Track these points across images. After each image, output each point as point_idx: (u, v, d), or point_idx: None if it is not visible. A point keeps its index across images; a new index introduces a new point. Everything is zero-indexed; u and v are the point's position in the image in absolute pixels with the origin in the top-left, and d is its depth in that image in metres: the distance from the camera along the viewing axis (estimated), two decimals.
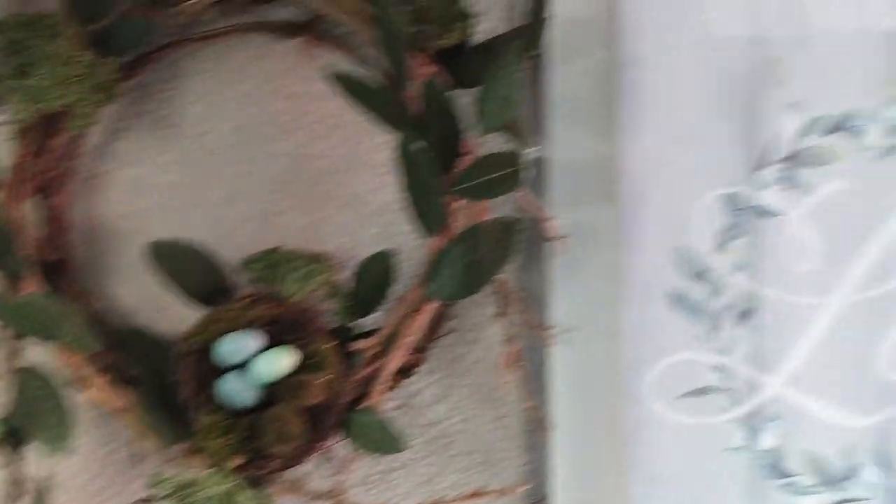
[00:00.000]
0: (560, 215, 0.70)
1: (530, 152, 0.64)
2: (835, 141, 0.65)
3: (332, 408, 0.64)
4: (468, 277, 0.62)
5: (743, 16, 0.64)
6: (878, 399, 0.66)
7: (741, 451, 0.67)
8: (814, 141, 0.65)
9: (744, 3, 0.64)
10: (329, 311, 0.67)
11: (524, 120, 0.63)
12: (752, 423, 0.67)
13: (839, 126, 0.64)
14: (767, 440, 0.66)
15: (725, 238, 0.66)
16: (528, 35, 0.62)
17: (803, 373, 0.66)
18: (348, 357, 0.66)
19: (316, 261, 0.67)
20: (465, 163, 0.61)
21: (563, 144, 0.70)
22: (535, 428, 0.69)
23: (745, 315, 0.66)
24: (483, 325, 0.71)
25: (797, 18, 0.64)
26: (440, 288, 0.62)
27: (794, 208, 0.65)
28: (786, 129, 0.65)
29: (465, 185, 0.60)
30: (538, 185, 0.70)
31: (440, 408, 0.72)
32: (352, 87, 0.59)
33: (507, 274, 0.67)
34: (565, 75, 0.69)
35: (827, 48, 0.64)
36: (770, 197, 0.65)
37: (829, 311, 0.66)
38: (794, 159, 0.65)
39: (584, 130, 0.69)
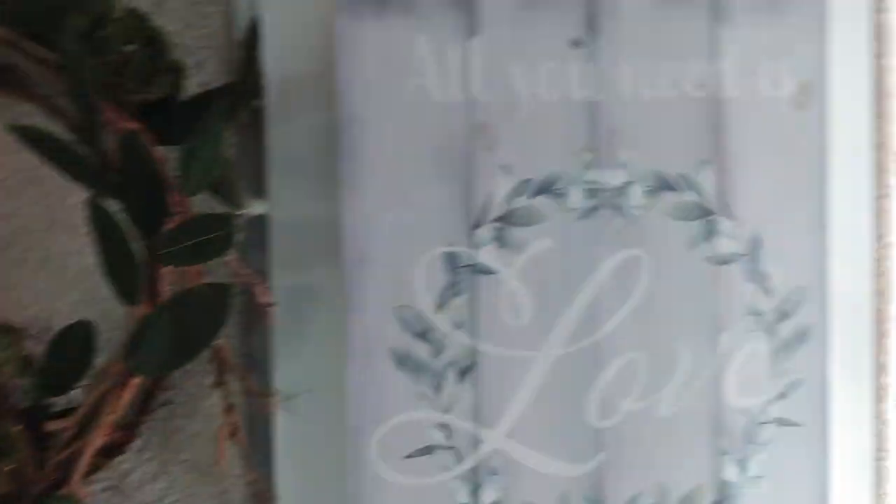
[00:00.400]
0: (282, 276, 0.68)
1: (244, 213, 0.62)
2: (541, 202, 0.68)
3: (22, 498, 0.56)
4: (176, 348, 0.57)
5: (454, 81, 0.66)
6: (589, 447, 0.70)
7: None
8: (523, 202, 0.68)
9: (455, 68, 0.66)
10: (20, 389, 0.60)
11: (237, 179, 0.60)
12: (475, 479, 0.68)
13: (544, 188, 0.68)
14: (489, 495, 0.68)
15: (446, 296, 0.67)
16: (240, 91, 0.60)
17: (520, 426, 0.68)
18: (43, 439, 0.59)
19: (4, 332, 0.60)
20: (172, 225, 0.57)
21: (285, 204, 0.68)
22: (258, 501, 0.66)
23: (466, 371, 0.68)
24: (200, 395, 0.66)
25: (504, 86, 0.67)
26: (144, 361, 0.57)
27: (507, 266, 0.68)
28: (498, 190, 0.67)
29: (170, 250, 0.56)
30: (259, 246, 0.68)
31: (155, 487, 0.66)
32: (36, 141, 0.54)
33: (225, 341, 0.63)
34: (285, 133, 0.68)
35: (531, 115, 0.68)
36: (486, 255, 0.68)
37: (541, 365, 0.69)
38: (506, 219, 0.68)
39: (306, 190, 0.68)
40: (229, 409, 0.64)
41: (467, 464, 0.68)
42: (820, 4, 0.72)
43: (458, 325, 0.67)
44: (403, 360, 0.67)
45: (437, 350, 0.67)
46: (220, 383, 0.64)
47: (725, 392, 0.72)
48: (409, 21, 0.65)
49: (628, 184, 0.69)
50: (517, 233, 0.68)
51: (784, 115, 0.71)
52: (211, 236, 0.56)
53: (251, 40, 0.59)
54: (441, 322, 0.67)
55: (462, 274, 0.67)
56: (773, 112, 0.71)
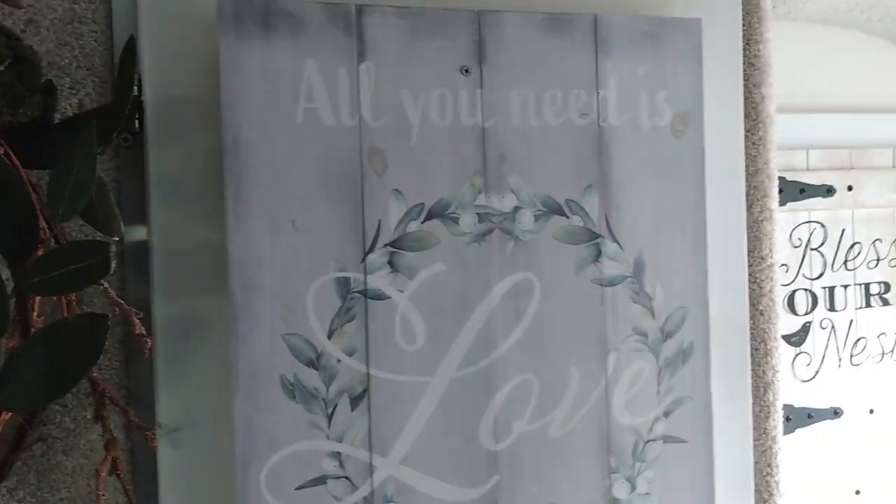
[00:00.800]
0: (165, 305, 0.66)
1: (122, 240, 0.59)
2: (434, 226, 0.69)
3: None
4: (48, 381, 0.54)
5: (344, 106, 0.66)
6: (483, 470, 0.70)
7: None
8: (415, 227, 0.68)
9: (345, 93, 0.66)
10: None
11: (113, 205, 0.58)
12: None
13: (436, 213, 0.69)
14: None
15: (338, 322, 0.66)
16: (115, 113, 0.58)
17: (414, 452, 0.68)
18: None
19: None
20: (42, 253, 0.54)
21: (167, 230, 0.66)
22: None
23: (359, 399, 0.67)
24: (79, 430, 0.63)
25: (394, 111, 0.67)
26: (14, 395, 0.53)
27: (400, 291, 0.68)
28: (390, 215, 0.67)
29: (40, 279, 0.53)
30: (141, 273, 0.65)
31: None
32: None
33: (103, 372, 0.60)
34: (167, 157, 0.66)
35: (422, 140, 0.68)
36: (378, 280, 0.67)
37: (435, 390, 0.68)
38: (399, 244, 0.68)
39: (190, 215, 0.66)
40: (110, 443, 0.60)
41: (361, 493, 0.66)
42: (696, 37, 0.75)
43: (350, 352, 0.66)
44: (293, 389, 0.65)
45: (329, 378, 0.66)
46: (99, 417, 0.61)
47: (614, 411, 0.73)
48: (297, 44, 0.65)
49: (518, 208, 0.71)
50: (410, 257, 0.68)
51: (663, 143, 0.74)
52: (83, 264, 0.53)
53: (127, 61, 0.57)
54: (332, 349, 0.66)
55: (354, 299, 0.67)
56: (653, 140, 0.74)
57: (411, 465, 0.68)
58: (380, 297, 0.67)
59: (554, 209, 0.72)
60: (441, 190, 0.69)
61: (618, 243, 0.73)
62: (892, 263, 1.20)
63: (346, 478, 0.66)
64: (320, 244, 0.66)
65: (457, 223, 0.69)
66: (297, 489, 0.65)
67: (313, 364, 0.66)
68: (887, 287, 1.20)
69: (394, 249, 0.68)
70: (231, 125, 0.63)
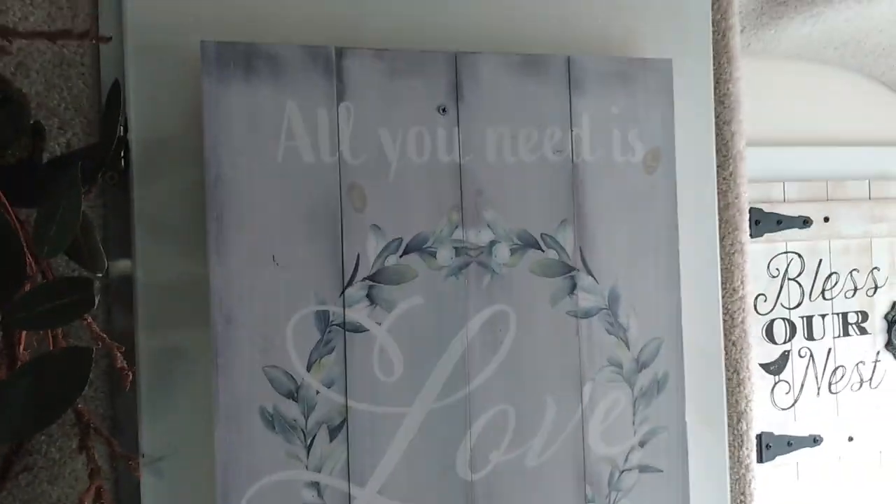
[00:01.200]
0: (149, 338, 0.67)
1: (106, 276, 0.61)
2: (411, 260, 0.71)
3: None
4: (35, 413, 0.56)
5: (324, 144, 0.68)
6: (461, 499, 0.71)
7: None
8: (393, 261, 0.70)
9: (325, 132, 0.68)
10: None
11: (98, 242, 0.59)
12: None
13: (414, 247, 0.71)
14: None
15: (317, 355, 0.68)
16: (100, 153, 0.60)
17: (391, 482, 0.69)
18: None
19: None
20: (28, 288, 0.56)
21: (151, 265, 0.68)
22: None
23: (337, 429, 0.68)
24: (64, 460, 0.64)
25: (373, 149, 0.69)
26: (1, 426, 0.55)
27: (378, 323, 0.70)
28: (368, 250, 0.69)
29: (26, 314, 0.55)
30: (126, 307, 0.67)
31: None
32: None
33: (88, 404, 0.62)
34: (152, 194, 0.68)
35: (400, 177, 0.70)
36: (357, 314, 0.69)
37: (412, 420, 0.70)
38: (377, 278, 0.69)
39: (173, 251, 0.67)
40: (94, 472, 0.62)
41: None
42: (667, 77, 0.78)
43: (328, 384, 0.68)
44: (273, 420, 0.67)
45: (308, 409, 0.68)
46: (83, 447, 0.62)
47: (590, 441, 0.75)
48: (278, 85, 0.67)
49: (494, 242, 0.73)
50: (388, 291, 0.70)
51: (636, 179, 0.76)
52: (68, 300, 0.55)
53: (113, 102, 0.59)
54: (311, 381, 0.68)
55: (333, 332, 0.69)
56: (626, 175, 0.76)
57: (388, 496, 0.69)
58: (358, 329, 0.69)
59: (529, 243, 0.74)
60: (419, 225, 0.71)
61: (592, 276, 0.75)
62: (869, 293, 1.22)
63: None
64: (300, 278, 0.68)
65: (434, 257, 0.71)
66: None
67: (293, 396, 0.67)
68: (864, 316, 1.22)
69: (372, 283, 0.70)
70: (213, 163, 0.65)
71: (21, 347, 0.59)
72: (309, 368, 0.68)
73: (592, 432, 0.75)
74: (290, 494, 0.67)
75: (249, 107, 0.66)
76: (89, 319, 0.57)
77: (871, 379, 1.22)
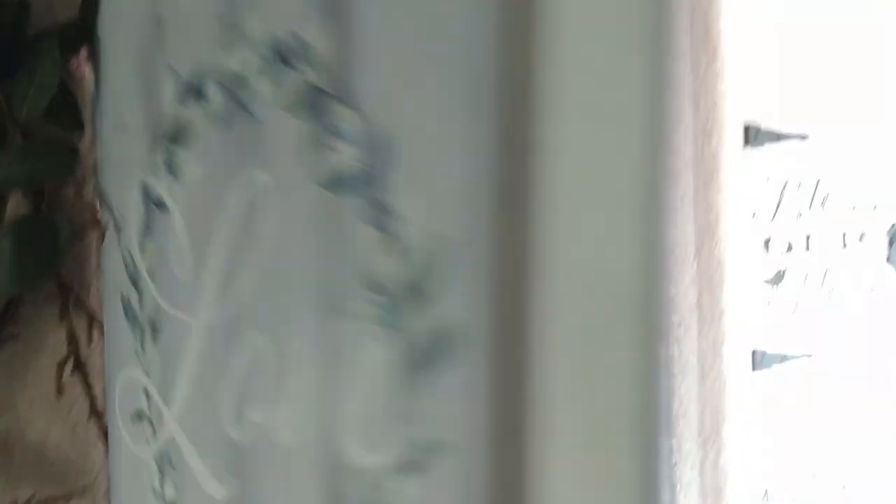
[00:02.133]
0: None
1: (84, 141, 0.60)
2: (191, 110, 0.48)
3: None
4: (17, 273, 0.62)
5: None
6: (231, 464, 0.47)
7: (157, 498, 0.54)
8: (180, 111, 0.50)
9: None
10: None
11: (75, 106, 0.61)
12: (161, 466, 0.54)
13: (191, 89, 0.48)
14: (169, 490, 0.53)
15: (143, 237, 0.55)
16: (81, 28, 0.61)
17: (185, 412, 0.51)
18: None
19: None
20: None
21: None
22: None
23: (156, 330, 0.54)
24: (48, 330, 0.67)
25: None
26: None
27: (174, 201, 0.51)
28: (165, 97, 0.51)
29: (6, 175, 0.61)
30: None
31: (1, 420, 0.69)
32: None
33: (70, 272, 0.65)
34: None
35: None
36: (160, 186, 0.52)
37: (196, 337, 0.50)
38: (173, 138, 0.51)
39: None
40: (72, 340, 0.66)
41: (158, 445, 0.54)
42: None
43: (151, 275, 0.54)
44: (126, 309, 0.57)
45: (143, 301, 0.55)
46: (64, 315, 0.67)
47: (342, 438, 0.37)
48: None
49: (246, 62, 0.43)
50: (178, 154, 0.50)
51: None
52: (48, 162, 0.60)
53: None
54: (142, 268, 0.55)
55: (151, 210, 0.54)
56: None
57: (184, 429, 0.51)
58: (163, 206, 0.52)
59: (280, 54, 0.40)
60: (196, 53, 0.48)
61: (355, 109, 0.36)
62: None
63: (150, 421, 0.55)
64: (136, 143, 0.55)
65: (207, 99, 0.47)
66: (130, 419, 0.58)
67: (135, 283, 0.57)
68: None
69: (170, 145, 0.51)
70: None
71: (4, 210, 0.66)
72: (140, 252, 0.55)
73: (347, 422, 0.37)
74: (135, 395, 0.57)
75: None
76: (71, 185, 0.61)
77: None
